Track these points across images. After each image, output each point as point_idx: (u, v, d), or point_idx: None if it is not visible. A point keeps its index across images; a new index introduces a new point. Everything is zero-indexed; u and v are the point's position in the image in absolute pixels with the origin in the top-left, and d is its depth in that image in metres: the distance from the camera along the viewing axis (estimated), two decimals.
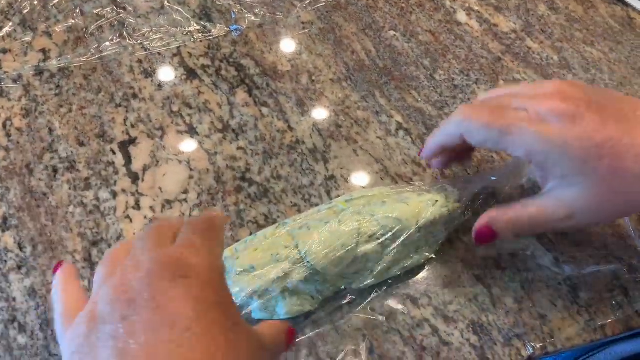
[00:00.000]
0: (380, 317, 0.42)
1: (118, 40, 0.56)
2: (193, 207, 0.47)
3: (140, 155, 0.49)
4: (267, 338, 0.32)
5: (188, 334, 0.26)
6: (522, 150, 0.36)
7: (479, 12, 0.61)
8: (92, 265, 0.43)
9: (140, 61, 0.55)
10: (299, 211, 0.46)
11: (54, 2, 0.59)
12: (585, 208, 0.37)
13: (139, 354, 0.25)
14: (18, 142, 0.50)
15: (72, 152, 0.49)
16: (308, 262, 0.39)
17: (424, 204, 0.42)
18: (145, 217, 0.46)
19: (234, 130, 0.51)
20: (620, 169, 0.35)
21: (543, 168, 0.37)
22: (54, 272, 0.35)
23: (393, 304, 0.42)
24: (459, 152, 0.45)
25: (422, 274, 0.44)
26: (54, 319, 0.32)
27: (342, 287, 0.42)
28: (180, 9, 0.59)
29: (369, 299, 0.42)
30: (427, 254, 0.43)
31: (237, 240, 0.44)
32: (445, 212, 0.42)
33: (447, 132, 0.41)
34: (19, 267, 0.43)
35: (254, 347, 0.30)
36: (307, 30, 0.58)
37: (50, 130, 0.51)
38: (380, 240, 0.40)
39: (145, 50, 0.56)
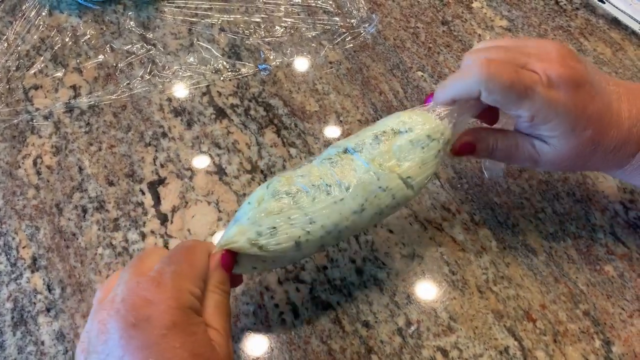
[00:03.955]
0: None
1: (148, 77, 0.57)
2: None
3: (170, 195, 0.49)
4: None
5: None
6: (530, 111, 0.39)
7: None
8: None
9: (169, 99, 0.56)
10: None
11: (85, 38, 0.60)
12: (551, 162, 0.42)
13: None
14: (48, 181, 0.50)
15: (101, 192, 0.49)
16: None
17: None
18: None
19: (262, 172, 0.51)
20: (597, 142, 0.39)
21: (534, 124, 0.40)
22: None
23: (424, 355, 0.42)
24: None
25: (452, 325, 0.43)
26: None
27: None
28: (209, 47, 0.59)
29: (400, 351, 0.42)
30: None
31: None
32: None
33: (465, 87, 0.39)
34: (48, 310, 0.43)
35: None
36: (334, 70, 0.58)
37: (80, 169, 0.51)
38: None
39: (175, 88, 0.56)
